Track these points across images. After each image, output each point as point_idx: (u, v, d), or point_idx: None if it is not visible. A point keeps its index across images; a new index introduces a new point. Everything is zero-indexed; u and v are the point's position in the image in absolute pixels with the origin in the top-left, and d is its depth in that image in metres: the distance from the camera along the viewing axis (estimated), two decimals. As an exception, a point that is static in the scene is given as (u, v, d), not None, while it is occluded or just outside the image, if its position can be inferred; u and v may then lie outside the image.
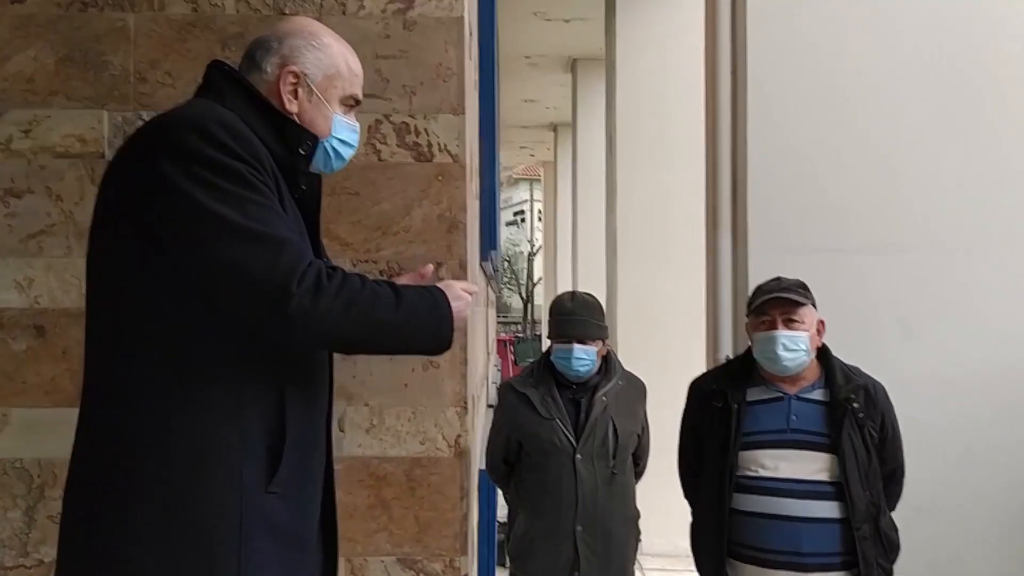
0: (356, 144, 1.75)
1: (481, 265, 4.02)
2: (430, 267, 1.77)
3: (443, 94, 2.68)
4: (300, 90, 1.65)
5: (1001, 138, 3.36)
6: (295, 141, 1.63)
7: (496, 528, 4.03)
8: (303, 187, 1.65)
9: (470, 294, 1.69)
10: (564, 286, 13.28)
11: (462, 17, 2.71)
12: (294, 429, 1.55)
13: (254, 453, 1.50)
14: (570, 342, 3.18)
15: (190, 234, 1.46)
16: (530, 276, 31.39)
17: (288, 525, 1.55)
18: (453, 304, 1.62)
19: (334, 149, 1.70)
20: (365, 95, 2.61)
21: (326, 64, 1.67)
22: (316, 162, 1.69)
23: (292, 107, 1.65)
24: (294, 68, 1.64)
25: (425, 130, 2.68)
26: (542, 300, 25.90)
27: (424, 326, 1.59)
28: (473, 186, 3.24)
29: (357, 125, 1.75)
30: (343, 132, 1.71)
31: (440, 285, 1.64)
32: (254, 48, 1.68)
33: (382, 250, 2.65)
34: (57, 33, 2.62)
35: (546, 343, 3.40)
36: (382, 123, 2.68)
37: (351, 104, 1.73)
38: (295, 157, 1.63)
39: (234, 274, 1.45)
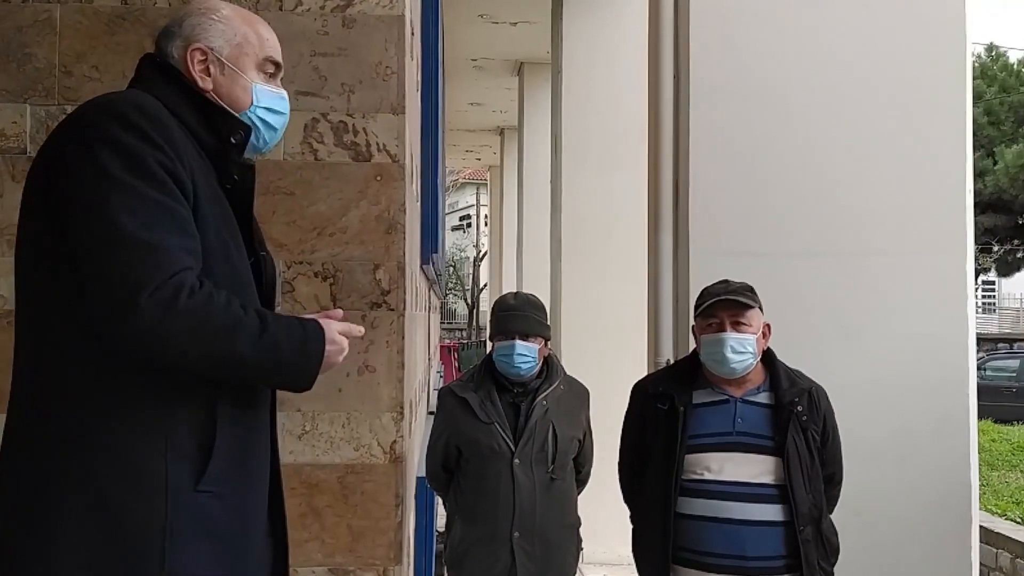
0: (286, 112, 1.70)
1: (422, 268, 3.96)
2: (340, 312, 1.67)
3: (382, 93, 2.63)
4: (211, 67, 1.62)
5: (932, 145, 3.43)
6: (226, 130, 1.60)
7: (435, 537, 3.96)
8: (235, 177, 1.61)
9: (351, 338, 1.60)
10: (510, 290, 13.23)
11: (403, 15, 2.65)
12: (227, 428, 1.50)
13: (182, 453, 1.46)
14: (512, 338, 3.14)
15: (76, 222, 1.42)
16: (476, 282, 31.27)
17: (226, 525, 1.50)
18: (327, 347, 1.54)
19: (261, 119, 1.65)
20: (302, 93, 2.59)
21: (230, 34, 1.64)
22: (249, 143, 1.65)
23: (206, 85, 1.61)
24: (199, 45, 1.62)
25: (364, 129, 2.62)
26: (488, 306, 25.81)
27: (282, 366, 1.51)
28: (414, 188, 3.19)
29: (283, 91, 1.70)
30: (267, 99, 1.66)
31: (322, 323, 1.56)
32: (159, 38, 1.65)
33: (317, 251, 2.58)
34: (-24, 23, 2.51)
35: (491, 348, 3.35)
36: (319, 122, 2.61)
37: (271, 71, 1.68)
38: (227, 146, 1.60)
39: (92, 272, 1.41)
